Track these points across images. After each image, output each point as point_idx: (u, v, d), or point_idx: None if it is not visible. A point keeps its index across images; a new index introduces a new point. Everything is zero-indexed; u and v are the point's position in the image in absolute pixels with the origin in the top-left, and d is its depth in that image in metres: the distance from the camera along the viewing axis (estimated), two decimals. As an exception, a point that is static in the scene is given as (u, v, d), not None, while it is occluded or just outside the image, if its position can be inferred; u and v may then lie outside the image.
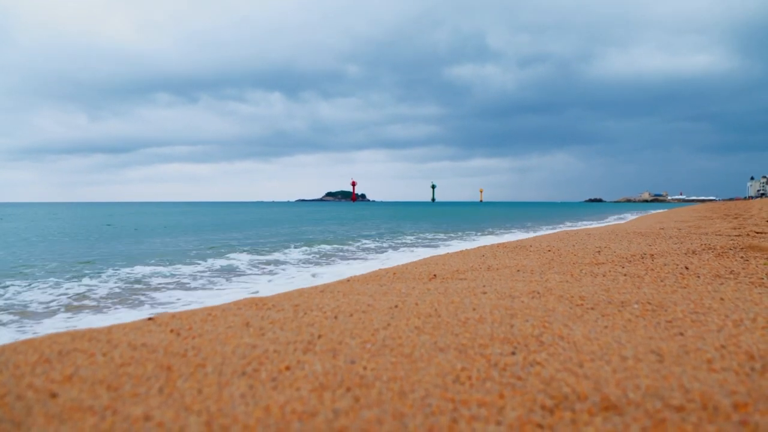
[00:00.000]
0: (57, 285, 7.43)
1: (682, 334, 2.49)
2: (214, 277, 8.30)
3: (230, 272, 8.81)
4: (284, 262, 10.20)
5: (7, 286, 7.30)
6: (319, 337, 2.59)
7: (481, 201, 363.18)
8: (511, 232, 19.33)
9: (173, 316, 3.23)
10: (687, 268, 4.73)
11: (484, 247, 8.44)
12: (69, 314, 5.61)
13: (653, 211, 39.50)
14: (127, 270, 8.97)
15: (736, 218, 14.20)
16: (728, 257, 5.36)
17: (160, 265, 9.61)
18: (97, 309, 5.85)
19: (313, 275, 8.31)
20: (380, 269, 5.91)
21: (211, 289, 7.17)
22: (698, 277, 4.22)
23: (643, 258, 5.64)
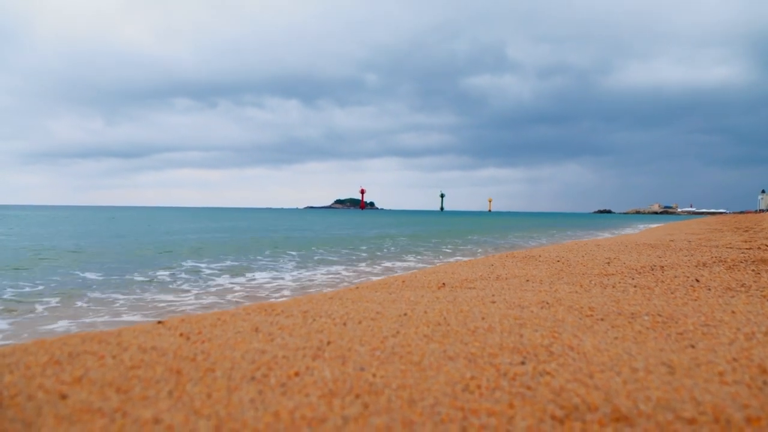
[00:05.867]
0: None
1: (693, 346, 2.47)
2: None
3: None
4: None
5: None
6: (328, 343, 2.59)
7: (489, 211, 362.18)
8: (516, 242, 19.26)
9: (182, 320, 3.24)
10: (698, 280, 4.70)
11: (493, 256, 8.42)
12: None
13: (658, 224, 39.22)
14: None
15: (746, 231, 14.09)
16: (739, 270, 5.32)
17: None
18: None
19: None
20: (389, 277, 5.91)
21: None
22: (709, 289, 4.19)
23: (653, 270, 5.60)
